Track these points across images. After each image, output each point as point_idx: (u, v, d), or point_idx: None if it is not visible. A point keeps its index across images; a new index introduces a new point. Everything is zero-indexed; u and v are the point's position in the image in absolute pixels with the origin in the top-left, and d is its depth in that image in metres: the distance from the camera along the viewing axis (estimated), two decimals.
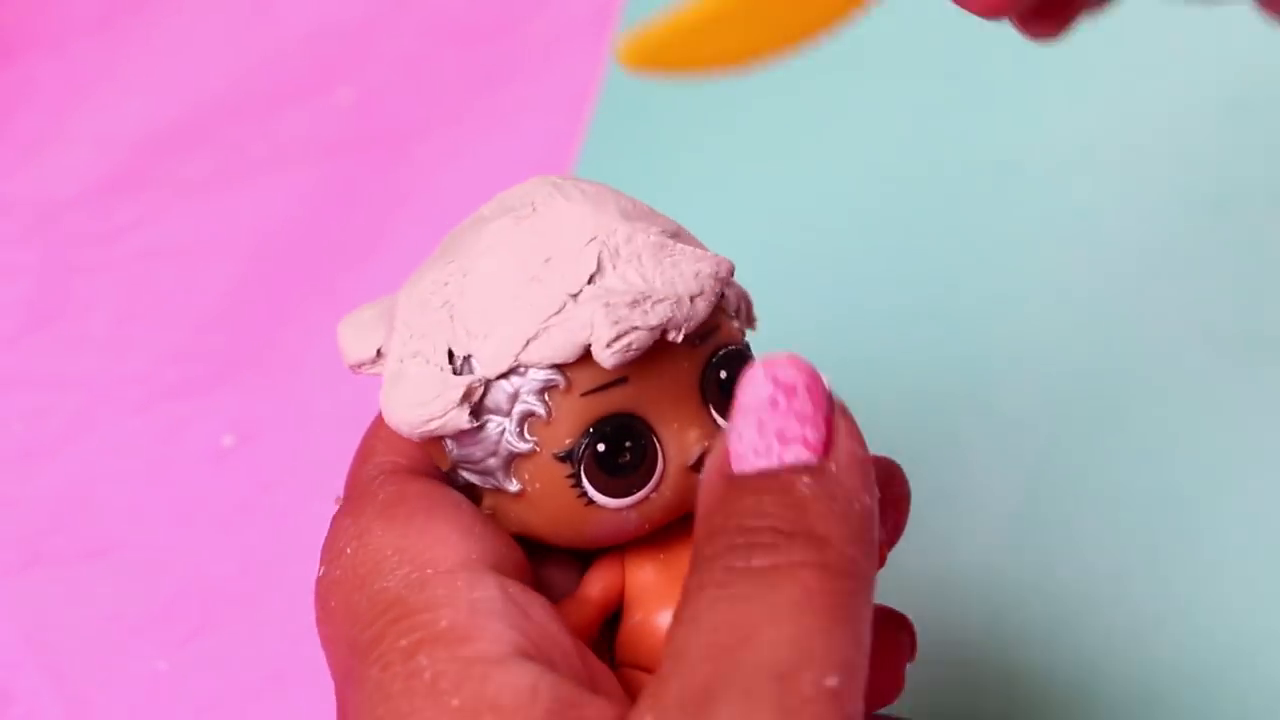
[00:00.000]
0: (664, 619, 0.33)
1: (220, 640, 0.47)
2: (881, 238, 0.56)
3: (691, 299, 0.33)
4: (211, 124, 0.60)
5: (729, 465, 0.31)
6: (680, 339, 0.32)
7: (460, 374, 0.33)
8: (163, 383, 0.53)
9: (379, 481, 0.34)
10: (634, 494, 0.33)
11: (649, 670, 0.33)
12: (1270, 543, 0.49)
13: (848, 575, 0.29)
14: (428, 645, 0.30)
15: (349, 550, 0.32)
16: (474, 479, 0.34)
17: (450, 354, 0.33)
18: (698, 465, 0.33)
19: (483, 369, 0.32)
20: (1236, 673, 0.47)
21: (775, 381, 0.31)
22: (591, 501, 0.33)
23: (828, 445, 0.31)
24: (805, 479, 0.30)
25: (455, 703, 0.29)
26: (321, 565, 0.33)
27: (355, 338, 0.35)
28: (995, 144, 0.59)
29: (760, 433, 0.31)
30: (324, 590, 0.33)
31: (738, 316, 0.35)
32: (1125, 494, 0.50)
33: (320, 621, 0.33)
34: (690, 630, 0.29)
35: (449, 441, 0.33)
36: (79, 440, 0.52)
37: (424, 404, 0.33)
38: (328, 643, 0.32)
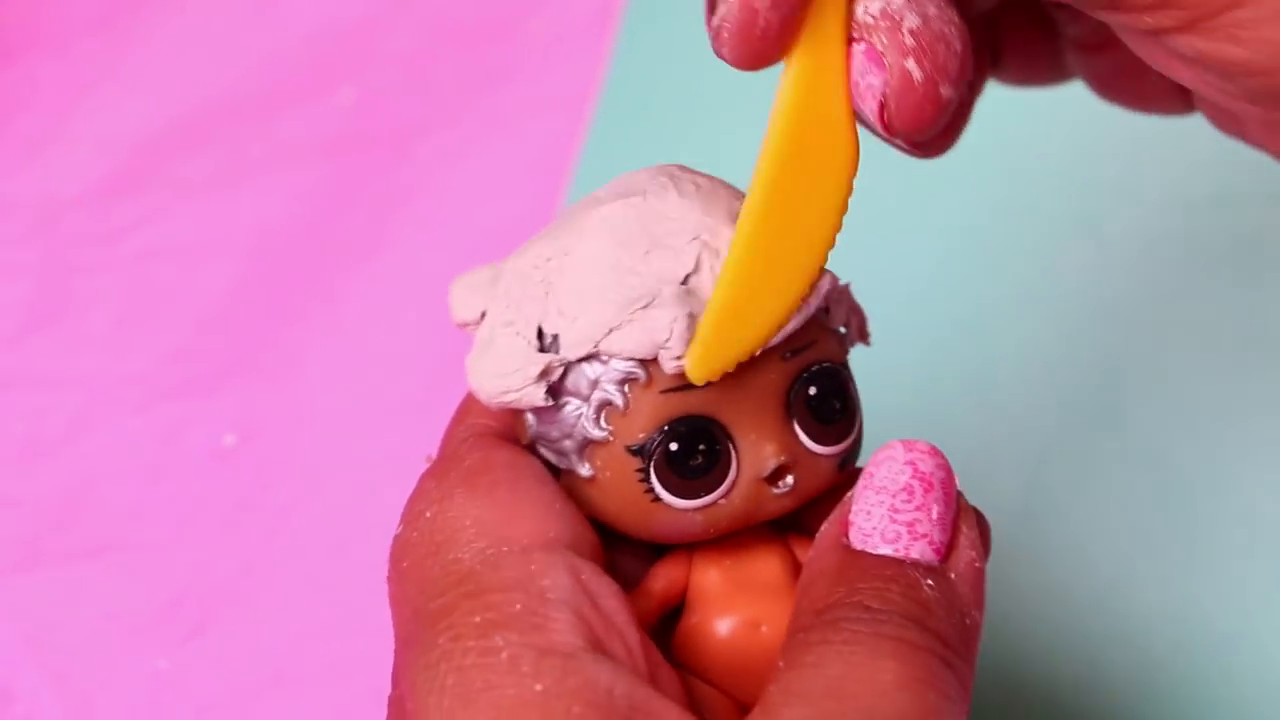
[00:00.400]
0: (721, 626, 0.33)
1: (220, 639, 0.47)
2: (882, 238, 0.56)
3: None
4: (212, 124, 0.60)
5: (849, 538, 0.32)
6: (759, 350, 0.32)
7: (545, 351, 0.33)
8: (163, 383, 0.53)
9: (468, 445, 0.34)
10: (701, 497, 0.32)
11: (698, 673, 0.33)
12: (1271, 542, 0.49)
13: (961, 684, 0.30)
14: (501, 627, 0.30)
15: (428, 514, 0.33)
16: (550, 457, 0.34)
17: (540, 330, 0.33)
18: (771, 478, 0.33)
19: (566, 350, 0.32)
20: (1237, 672, 0.47)
21: (915, 470, 0.32)
22: (658, 499, 0.32)
23: (950, 549, 0.32)
24: (929, 581, 0.31)
25: (539, 687, 0.29)
26: (401, 523, 0.33)
27: (464, 298, 0.35)
28: (995, 144, 0.59)
29: (891, 520, 0.31)
30: (398, 550, 0.33)
31: (845, 333, 0.34)
32: (1125, 493, 0.50)
33: (391, 580, 0.33)
34: (814, 674, 0.30)
35: (530, 416, 0.33)
36: (80, 440, 0.52)
37: (504, 375, 0.33)
38: (395, 603, 0.32)
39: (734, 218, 0.33)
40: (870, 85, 0.33)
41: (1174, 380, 0.52)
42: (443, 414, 0.52)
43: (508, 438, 0.34)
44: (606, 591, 0.31)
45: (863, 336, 0.35)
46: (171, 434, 0.52)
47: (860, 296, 0.52)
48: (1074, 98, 0.60)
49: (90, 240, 0.57)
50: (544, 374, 0.32)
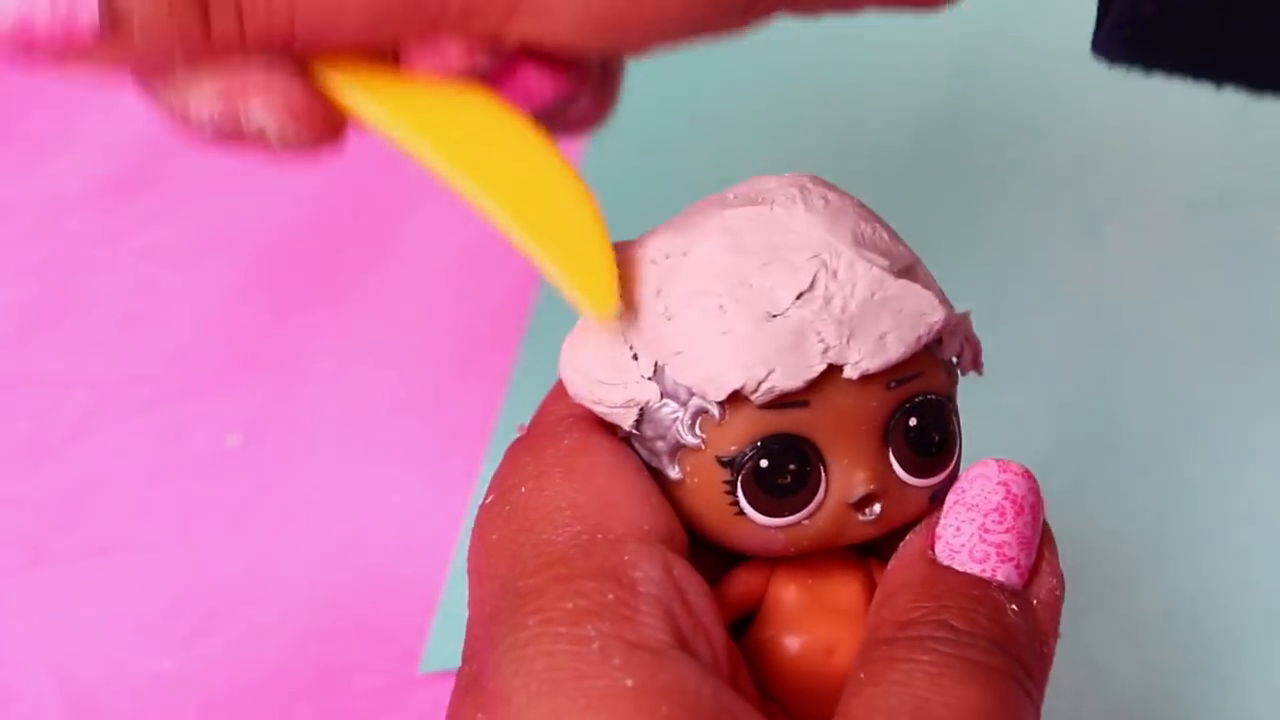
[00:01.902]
0: (792, 643, 0.33)
1: (224, 639, 0.47)
2: None
3: (882, 337, 0.32)
4: None
5: (935, 551, 0.31)
6: (857, 376, 0.32)
7: (648, 377, 0.32)
8: (167, 383, 0.53)
9: (567, 424, 0.33)
10: (785, 516, 0.32)
11: (762, 686, 0.33)
12: (1272, 542, 0.49)
13: (1036, 711, 0.30)
14: (593, 616, 0.30)
15: (524, 489, 0.32)
16: (642, 453, 0.33)
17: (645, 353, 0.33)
18: (859, 505, 0.32)
19: (670, 378, 0.32)
20: (1238, 671, 0.47)
21: (1008, 492, 0.32)
22: (741, 512, 0.32)
23: (1034, 574, 0.32)
24: (1013, 606, 0.31)
25: (629, 682, 0.29)
26: (491, 493, 0.33)
27: None
28: (996, 145, 0.59)
29: (981, 539, 0.31)
30: (487, 520, 0.32)
31: (957, 365, 0.34)
32: (1126, 493, 0.50)
33: (474, 551, 0.32)
34: (899, 691, 0.29)
35: None
36: (84, 440, 0.52)
37: (601, 384, 0.33)
38: (478, 575, 0.32)
39: (858, 239, 0.33)
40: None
41: (1174, 380, 0.52)
42: (444, 415, 0.53)
43: (606, 424, 0.34)
44: (697, 589, 0.31)
45: (976, 365, 0.35)
46: (175, 434, 0.52)
47: None
48: (1075, 97, 0.60)
49: (94, 240, 0.57)
50: (641, 400, 0.32)
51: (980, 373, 0.35)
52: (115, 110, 0.60)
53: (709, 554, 0.34)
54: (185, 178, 0.59)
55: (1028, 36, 0.61)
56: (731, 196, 0.34)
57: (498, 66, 0.35)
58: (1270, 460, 0.50)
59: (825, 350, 0.32)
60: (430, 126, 0.34)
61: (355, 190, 0.59)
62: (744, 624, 0.34)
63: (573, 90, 0.36)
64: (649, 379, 0.32)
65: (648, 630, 0.30)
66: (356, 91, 0.34)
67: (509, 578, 0.31)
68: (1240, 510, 0.50)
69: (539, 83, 0.36)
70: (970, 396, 0.53)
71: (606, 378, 0.33)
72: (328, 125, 0.35)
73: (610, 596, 0.30)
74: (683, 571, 0.31)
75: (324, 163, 0.56)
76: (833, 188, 0.34)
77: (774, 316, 0.32)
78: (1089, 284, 0.53)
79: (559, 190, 0.34)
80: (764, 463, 0.32)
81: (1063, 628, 0.48)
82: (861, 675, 0.30)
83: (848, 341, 0.32)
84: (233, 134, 0.35)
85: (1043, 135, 0.58)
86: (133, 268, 0.56)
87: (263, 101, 0.34)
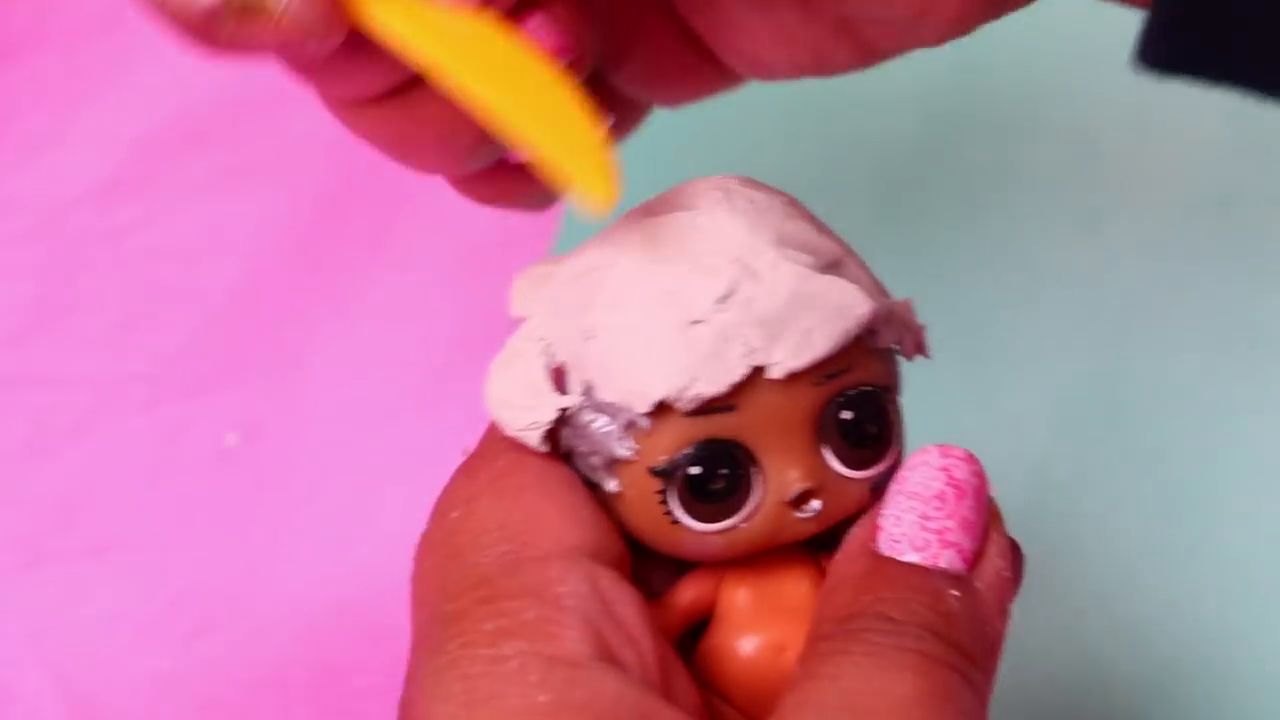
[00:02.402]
0: (747, 645, 0.33)
1: (222, 639, 0.47)
2: (882, 237, 0.56)
3: (807, 334, 0.32)
4: (215, 123, 0.60)
5: (876, 541, 0.31)
6: (782, 375, 0.32)
7: (564, 392, 0.32)
8: (166, 382, 0.53)
9: (503, 446, 0.33)
10: (720, 521, 0.32)
11: (719, 691, 0.33)
12: (1272, 541, 0.49)
13: (979, 697, 0.30)
14: (512, 635, 0.30)
15: (454, 515, 0.32)
16: (581, 470, 0.33)
17: (564, 366, 0.33)
18: (796, 502, 0.32)
19: (595, 395, 0.32)
20: (1239, 669, 0.47)
21: (949, 477, 0.31)
22: (677, 521, 0.32)
23: (978, 558, 0.31)
24: (954, 592, 0.30)
25: (543, 698, 0.29)
26: (429, 520, 0.33)
27: (521, 294, 0.35)
28: (996, 145, 0.59)
29: (921, 527, 0.31)
30: (423, 548, 0.32)
31: (898, 350, 0.34)
32: (1125, 493, 0.50)
33: (413, 578, 0.32)
34: (828, 685, 0.29)
35: (563, 429, 0.33)
36: (82, 439, 0.52)
37: (513, 408, 0.33)
38: (414, 602, 0.32)
39: (782, 238, 0.32)
40: None
41: (1174, 380, 0.52)
42: (443, 414, 0.53)
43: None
44: (624, 599, 0.31)
45: (920, 350, 0.35)
46: (174, 433, 0.52)
47: None
48: (1075, 96, 0.60)
49: (93, 239, 0.57)
50: (555, 421, 0.32)
51: (926, 356, 0.35)
52: (115, 110, 0.60)
53: (662, 564, 0.34)
54: (183, 178, 0.59)
55: (1028, 36, 0.60)
56: (656, 204, 0.34)
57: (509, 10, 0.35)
58: (1270, 460, 0.50)
59: (748, 353, 0.31)
60: (435, 35, 0.34)
61: (353, 190, 0.59)
62: (699, 632, 0.34)
63: (576, 54, 0.36)
64: (580, 394, 0.32)
65: (569, 644, 0.30)
66: None
67: (437, 603, 0.31)
68: (1240, 510, 0.50)
69: (547, 36, 0.35)
70: (970, 396, 0.53)
71: (520, 402, 0.33)
72: (334, 14, 0.34)
73: (531, 614, 0.30)
74: (610, 583, 0.31)
75: (324, 161, 0.56)
76: (761, 187, 0.34)
77: (696, 323, 0.32)
78: (1089, 283, 0.53)
79: (559, 100, 0.33)
80: (694, 470, 0.32)
81: (1062, 627, 0.48)
82: (799, 672, 0.30)
83: (772, 342, 0.32)
84: (239, 12, 0.34)
85: (1042, 134, 0.58)
86: (131, 267, 0.56)
87: None
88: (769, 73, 0.43)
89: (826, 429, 0.32)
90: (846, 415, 0.32)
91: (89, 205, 0.58)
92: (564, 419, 0.33)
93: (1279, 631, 0.47)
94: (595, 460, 0.33)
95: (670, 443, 0.32)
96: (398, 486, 0.51)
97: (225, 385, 0.53)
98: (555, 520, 0.32)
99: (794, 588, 0.33)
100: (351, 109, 0.38)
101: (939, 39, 0.39)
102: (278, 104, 0.60)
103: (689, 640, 0.34)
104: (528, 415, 0.33)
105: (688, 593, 0.34)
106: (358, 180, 0.59)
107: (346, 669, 0.47)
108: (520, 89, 0.34)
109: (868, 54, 0.41)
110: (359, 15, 0.34)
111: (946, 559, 0.31)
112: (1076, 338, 0.53)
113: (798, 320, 0.32)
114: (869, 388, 0.33)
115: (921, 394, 0.52)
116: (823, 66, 0.42)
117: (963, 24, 0.39)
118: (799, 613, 0.33)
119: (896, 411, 0.33)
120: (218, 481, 0.51)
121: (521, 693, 0.29)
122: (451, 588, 0.31)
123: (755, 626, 0.33)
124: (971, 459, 0.32)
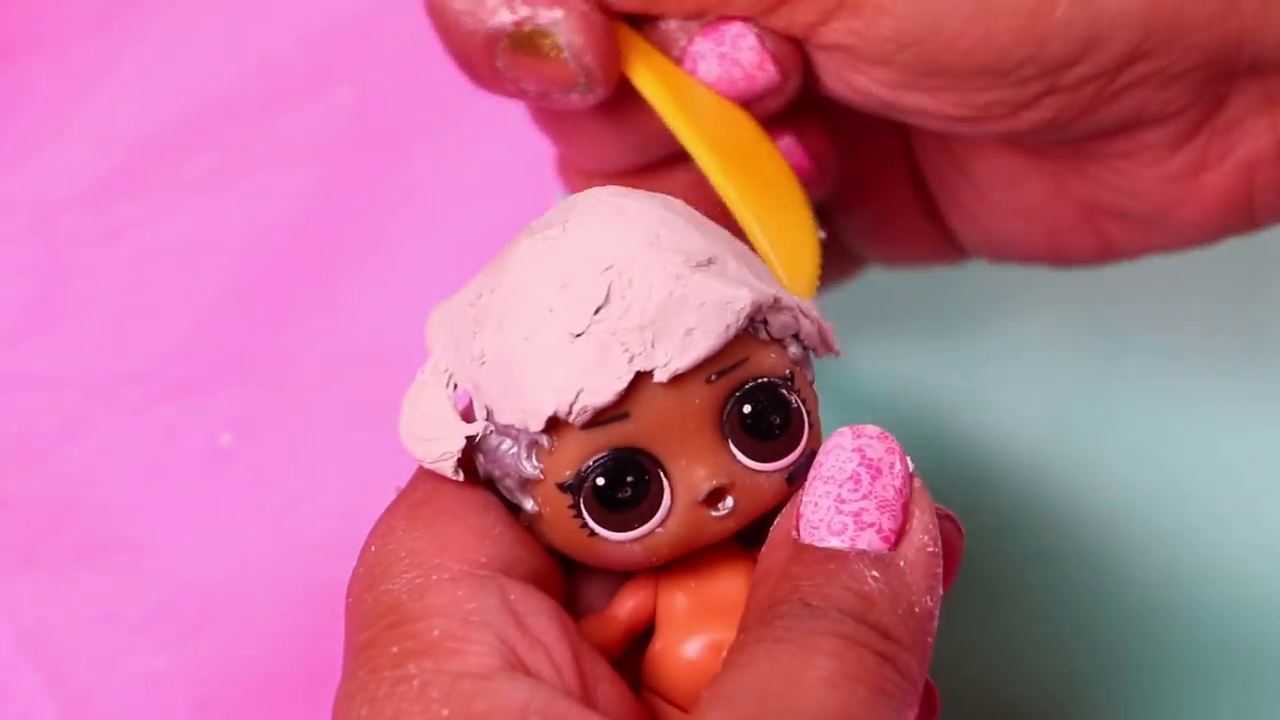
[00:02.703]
0: (688, 648, 0.33)
1: (217, 639, 0.47)
2: None
3: (688, 334, 0.32)
4: (210, 123, 0.60)
5: (798, 530, 0.31)
6: (668, 378, 0.32)
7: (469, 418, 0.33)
8: (161, 382, 0.53)
9: (421, 477, 0.34)
10: (635, 529, 0.32)
11: (667, 697, 0.33)
12: (1271, 539, 0.49)
13: (901, 674, 0.30)
14: (416, 655, 0.30)
15: (373, 548, 0.33)
16: (503, 494, 0.34)
17: (461, 387, 0.34)
18: (709, 501, 0.33)
19: (494, 419, 0.33)
20: (1239, 669, 0.47)
21: (862, 457, 0.31)
22: (594, 533, 0.32)
23: (901, 535, 0.31)
24: (874, 573, 0.30)
25: (445, 713, 0.29)
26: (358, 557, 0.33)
27: (430, 327, 0.35)
28: None
29: (838, 510, 0.31)
30: (349, 583, 0.33)
31: (794, 345, 0.34)
32: (1125, 492, 0.50)
33: (344, 612, 0.33)
34: (739, 675, 0.29)
35: (478, 455, 0.34)
36: (77, 439, 0.52)
37: (425, 440, 0.34)
38: (344, 635, 0.33)
39: (654, 241, 0.33)
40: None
41: (1174, 380, 0.52)
42: None
43: (464, 470, 0.34)
44: (537, 610, 0.31)
45: (827, 347, 0.35)
46: (168, 433, 0.52)
47: (859, 296, 0.52)
48: None
49: (87, 240, 0.57)
50: (464, 449, 0.33)
51: (836, 353, 0.35)
52: (109, 109, 0.60)
53: (603, 579, 0.34)
54: (177, 178, 0.59)
55: None
56: (535, 223, 0.34)
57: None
58: (1269, 459, 0.50)
59: (630, 359, 0.32)
60: (696, 108, 0.37)
61: (349, 190, 0.59)
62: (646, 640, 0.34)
63: (817, 181, 0.38)
64: (484, 420, 0.33)
65: (474, 659, 0.30)
66: (642, 56, 0.37)
67: (351, 634, 0.32)
68: (1239, 509, 0.50)
69: (794, 154, 0.38)
70: (969, 395, 0.53)
71: (429, 434, 0.33)
72: (611, 61, 0.35)
73: (436, 633, 0.30)
74: (520, 596, 0.31)
75: (318, 162, 0.56)
76: (633, 193, 0.34)
77: (577, 336, 0.32)
78: (1087, 282, 0.53)
79: (788, 195, 0.38)
80: (600, 480, 0.32)
81: (1062, 627, 0.48)
82: (720, 667, 0.30)
83: (652, 345, 0.32)
84: (517, 45, 0.34)
85: None
86: (125, 267, 0.56)
87: (566, 10, 0.35)
88: (998, 251, 0.44)
89: (729, 425, 0.33)
90: (747, 409, 0.33)
91: (82, 205, 0.58)
92: (476, 445, 0.33)
93: (1278, 630, 0.47)
94: (509, 483, 0.33)
95: (573, 457, 0.32)
96: (392, 487, 0.51)
97: (220, 385, 0.53)
98: (465, 541, 0.32)
99: (729, 585, 0.34)
100: (589, 180, 0.39)
101: (1179, 244, 0.40)
102: (271, 105, 0.60)
103: (638, 650, 0.34)
104: (438, 446, 0.33)
105: (626, 603, 0.34)
106: (352, 180, 0.59)
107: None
108: (758, 175, 0.37)
109: (1105, 250, 0.41)
110: (630, 72, 0.36)
111: (866, 540, 0.31)
112: (1075, 336, 0.53)
113: (677, 321, 0.32)
114: (765, 379, 0.33)
115: (921, 393, 0.52)
116: (1056, 253, 0.42)
117: (1205, 233, 0.40)
118: (735, 610, 0.33)
119: (806, 399, 0.33)
120: (212, 481, 0.51)
121: (424, 710, 0.29)
122: (364, 618, 0.31)
123: (694, 628, 0.33)
124: (885, 436, 0.32)
